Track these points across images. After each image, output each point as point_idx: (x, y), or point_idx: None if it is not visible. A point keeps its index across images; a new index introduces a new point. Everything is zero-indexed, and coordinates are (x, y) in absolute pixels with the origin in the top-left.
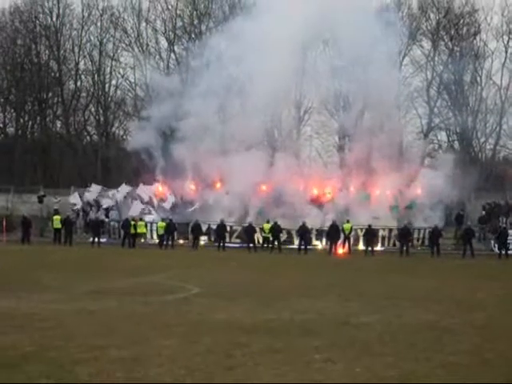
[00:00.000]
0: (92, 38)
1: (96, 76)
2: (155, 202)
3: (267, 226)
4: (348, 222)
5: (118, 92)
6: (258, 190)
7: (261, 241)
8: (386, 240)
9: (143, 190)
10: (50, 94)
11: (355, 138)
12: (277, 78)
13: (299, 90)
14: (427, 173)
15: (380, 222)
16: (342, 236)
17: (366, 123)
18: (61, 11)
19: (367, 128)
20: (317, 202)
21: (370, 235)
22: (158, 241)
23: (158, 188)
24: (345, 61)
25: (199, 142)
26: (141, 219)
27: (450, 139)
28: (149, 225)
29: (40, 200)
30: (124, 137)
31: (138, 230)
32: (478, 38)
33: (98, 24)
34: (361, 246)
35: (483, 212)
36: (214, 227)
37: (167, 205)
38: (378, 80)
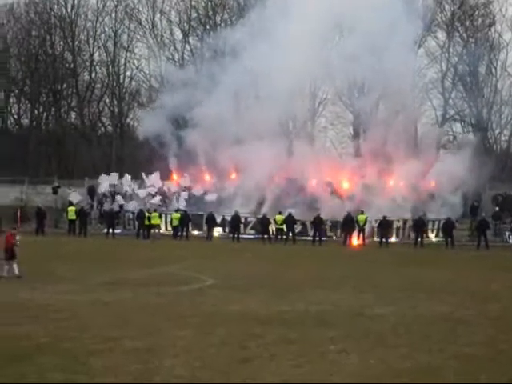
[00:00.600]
0: (107, 29)
1: (110, 67)
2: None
3: (280, 218)
4: (362, 213)
5: (133, 83)
6: (274, 180)
7: (275, 232)
8: (401, 231)
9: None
10: (65, 86)
11: (370, 128)
12: (292, 69)
13: (314, 81)
14: (446, 158)
15: (394, 213)
16: (356, 227)
17: (381, 113)
18: (75, 2)
19: (382, 118)
20: (336, 193)
21: (385, 226)
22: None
23: (173, 177)
24: (360, 51)
25: (213, 131)
26: (155, 210)
27: (465, 130)
28: (163, 216)
29: (54, 191)
30: (139, 128)
31: (152, 222)
32: (492, 29)
33: (113, 15)
34: (375, 238)
35: (496, 208)
36: (229, 218)
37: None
38: (394, 69)
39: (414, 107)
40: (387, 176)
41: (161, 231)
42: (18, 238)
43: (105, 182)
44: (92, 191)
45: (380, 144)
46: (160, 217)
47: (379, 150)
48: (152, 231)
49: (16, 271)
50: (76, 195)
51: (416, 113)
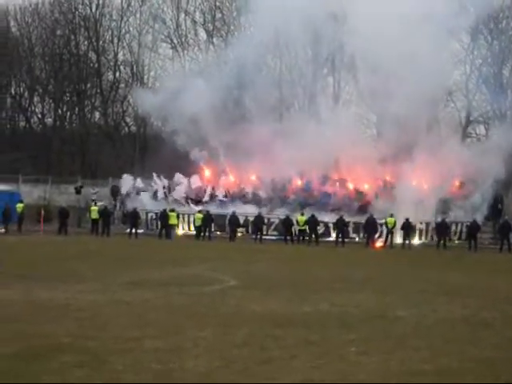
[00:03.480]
0: (131, 29)
1: (135, 67)
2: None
3: (302, 219)
4: (392, 215)
5: (157, 83)
6: (295, 183)
7: (297, 233)
8: (424, 233)
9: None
10: (89, 85)
11: (392, 130)
12: (315, 69)
13: (337, 82)
14: (471, 158)
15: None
16: (379, 229)
17: (405, 114)
18: (100, 2)
19: (404, 120)
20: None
21: (408, 229)
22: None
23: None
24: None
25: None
26: (172, 210)
27: (489, 133)
28: (186, 216)
29: (77, 191)
30: (163, 128)
31: (169, 222)
32: None
33: (137, 15)
34: (398, 240)
35: None
36: (251, 219)
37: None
38: (419, 71)
39: (437, 109)
40: (409, 177)
41: (178, 232)
42: None
43: (128, 182)
44: (115, 191)
45: (402, 144)
46: (178, 217)
47: (401, 150)
48: (173, 234)
49: None
50: (100, 202)
51: (440, 115)
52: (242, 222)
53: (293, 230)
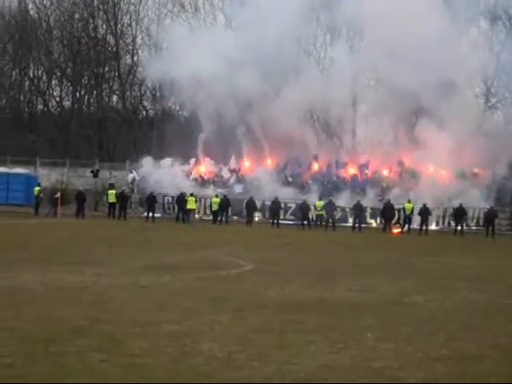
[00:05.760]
0: (150, 12)
1: (153, 51)
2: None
3: (319, 204)
4: (409, 201)
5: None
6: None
7: (314, 218)
8: (441, 219)
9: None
10: (107, 69)
11: (410, 116)
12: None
13: (355, 67)
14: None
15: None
16: (396, 214)
17: (423, 101)
18: None
19: (423, 106)
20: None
21: (425, 214)
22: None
23: (200, 168)
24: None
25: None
26: (191, 194)
27: (507, 119)
28: (203, 200)
29: (94, 174)
30: (180, 112)
31: (188, 206)
32: None
33: None
34: (415, 225)
35: None
36: (269, 204)
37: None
38: (437, 57)
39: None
40: (428, 162)
41: (196, 216)
42: None
43: (147, 166)
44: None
45: (420, 130)
46: (196, 201)
47: (419, 135)
48: (191, 218)
49: None
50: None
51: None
52: (258, 206)
53: (310, 215)
